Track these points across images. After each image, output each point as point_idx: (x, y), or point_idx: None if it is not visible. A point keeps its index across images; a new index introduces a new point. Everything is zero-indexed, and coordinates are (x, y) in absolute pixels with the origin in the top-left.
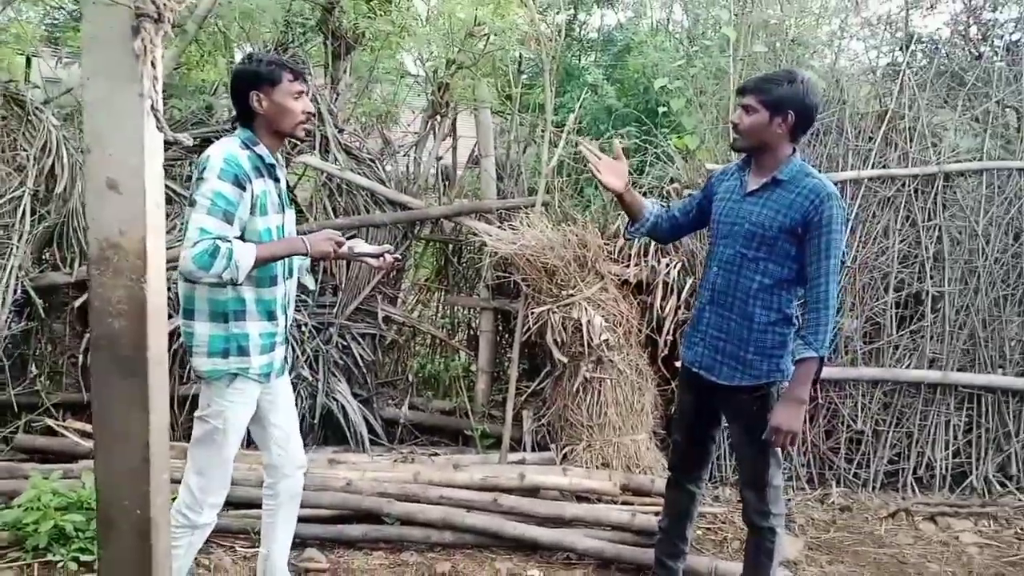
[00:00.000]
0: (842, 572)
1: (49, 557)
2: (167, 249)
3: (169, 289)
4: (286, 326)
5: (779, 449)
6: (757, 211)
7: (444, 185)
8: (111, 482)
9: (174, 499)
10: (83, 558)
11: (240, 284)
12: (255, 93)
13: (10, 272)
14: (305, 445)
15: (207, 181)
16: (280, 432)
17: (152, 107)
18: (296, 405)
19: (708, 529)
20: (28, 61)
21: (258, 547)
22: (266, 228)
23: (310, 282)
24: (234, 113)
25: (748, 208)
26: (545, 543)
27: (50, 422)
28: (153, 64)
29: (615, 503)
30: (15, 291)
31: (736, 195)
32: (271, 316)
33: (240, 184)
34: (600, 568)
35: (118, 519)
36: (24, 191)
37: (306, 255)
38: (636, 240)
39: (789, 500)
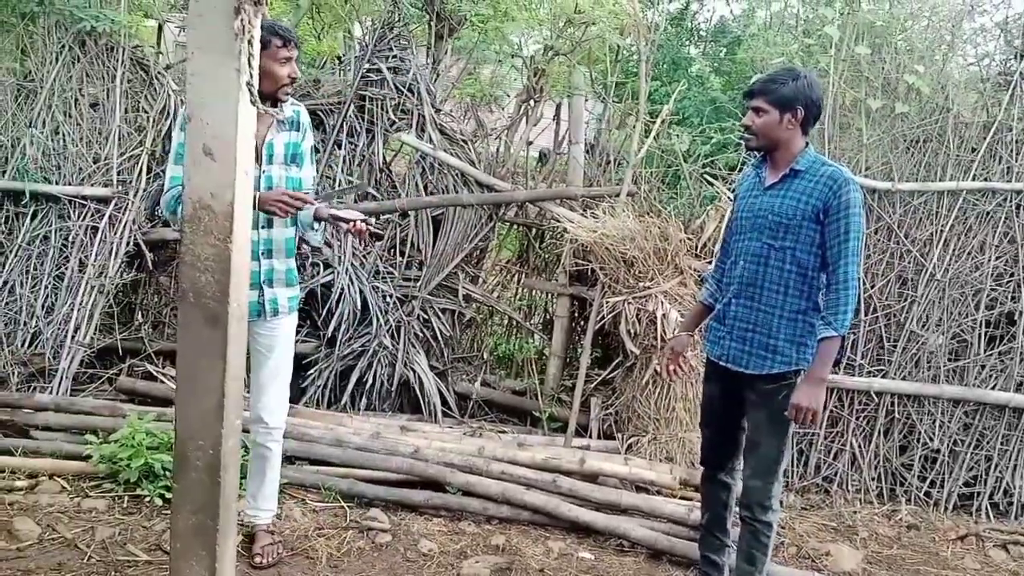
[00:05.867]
0: None
1: (138, 491)
2: None
3: None
4: (258, 272)
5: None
6: (779, 202)
7: (540, 168)
8: (188, 423)
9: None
10: (168, 495)
11: None
12: None
13: (125, 225)
14: (382, 411)
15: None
16: (254, 383)
17: (247, 83)
18: (376, 372)
19: None
20: (160, 27)
21: (329, 502)
22: None
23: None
24: None
25: (770, 201)
26: (599, 527)
27: (150, 368)
28: (250, 42)
29: (674, 497)
30: (128, 243)
31: (756, 191)
32: None
33: None
34: (651, 558)
35: (192, 457)
36: (143, 151)
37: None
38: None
39: (855, 512)
